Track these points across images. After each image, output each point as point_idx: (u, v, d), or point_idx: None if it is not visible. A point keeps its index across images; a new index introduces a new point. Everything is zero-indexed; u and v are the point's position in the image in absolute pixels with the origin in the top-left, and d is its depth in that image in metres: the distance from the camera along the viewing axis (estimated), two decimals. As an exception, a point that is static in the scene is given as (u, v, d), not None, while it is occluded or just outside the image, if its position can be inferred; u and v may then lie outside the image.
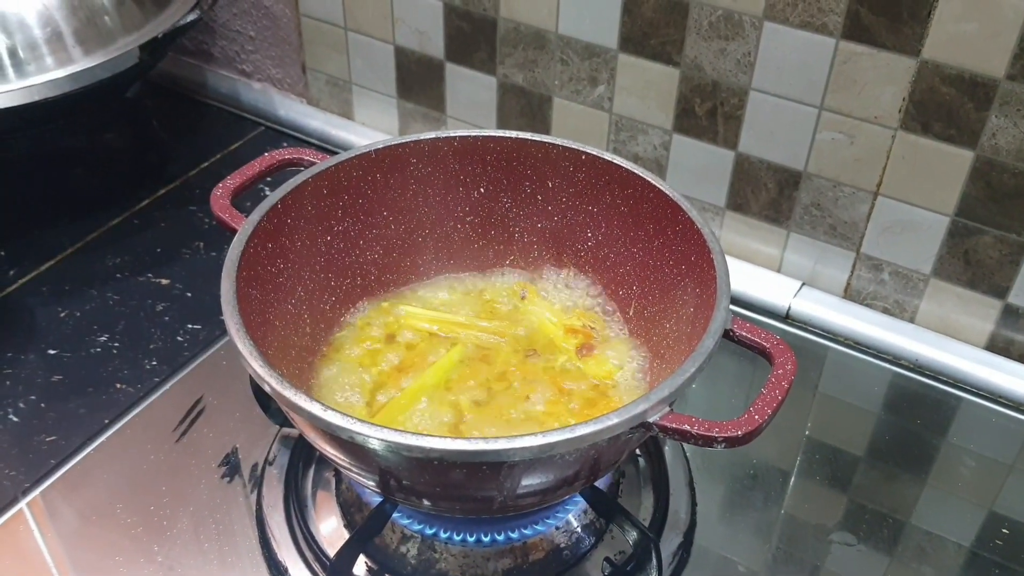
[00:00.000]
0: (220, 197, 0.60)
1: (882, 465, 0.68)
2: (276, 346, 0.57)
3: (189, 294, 0.79)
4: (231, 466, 0.65)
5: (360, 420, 0.45)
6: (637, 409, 0.46)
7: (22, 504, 0.63)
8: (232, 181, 0.61)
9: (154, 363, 0.72)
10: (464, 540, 0.58)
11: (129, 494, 0.63)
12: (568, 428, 0.45)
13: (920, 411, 0.73)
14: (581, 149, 0.63)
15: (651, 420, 0.46)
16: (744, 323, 0.52)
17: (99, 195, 0.91)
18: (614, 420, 0.45)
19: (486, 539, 0.58)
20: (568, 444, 0.45)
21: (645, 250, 0.62)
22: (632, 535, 0.58)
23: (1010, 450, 0.70)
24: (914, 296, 0.76)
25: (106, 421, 0.68)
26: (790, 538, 0.63)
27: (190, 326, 0.76)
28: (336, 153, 0.63)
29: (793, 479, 0.67)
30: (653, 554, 0.57)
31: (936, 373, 0.75)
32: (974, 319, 0.74)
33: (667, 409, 0.47)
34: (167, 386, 0.71)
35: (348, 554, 0.56)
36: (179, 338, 0.75)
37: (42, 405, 0.69)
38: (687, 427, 0.46)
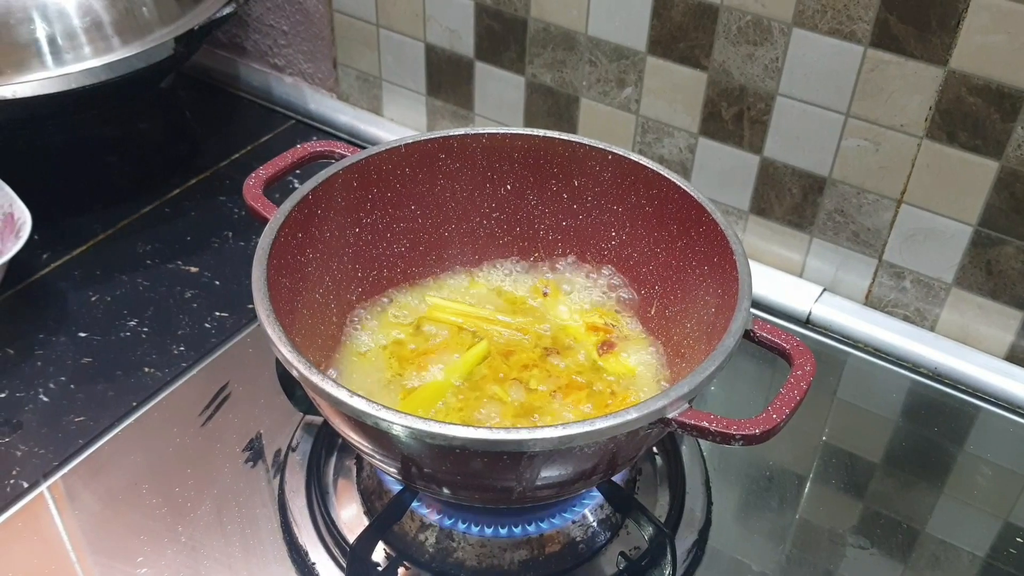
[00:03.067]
0: (253, 187, 0.61)
1: (898, 472, 0.69)
2: (303, 333, 0.58)
3: (217, 282, 0.80)
4: (255, 451, 0.66)
5: (384, 407, 0.46)
6: (656, 405, 0.46)
7: (47, 484, 0.64)
8: (265, 171, 0.62)
9: (182, 349, 0.74)
10: (482, 531, 0.59)
11: (154, 476, 0.64)
12: (588, 421, 0.46)
13: (938, 419, 0.73)
14: (608, 149, 0.64)
15: (670, 416, 0.47)
16: (765, 324, 0.53)
17: (131, 183, 0.92)
18: (633, 415, 0.46)
19: (503, 530, 0.59)
20: (587, 437, 0.46)
21: (668, 250, 0.63)
22: (648, 531, 0.58)
23: (1027, 461, 0.70)
24: (935, 305, 0.76)
25: (134, 404, 0.69)
26: (804, 541, 0.63)
27: (217, 313, 0.77)
28: (365, 148, 0.64)
29: (809, 483, 0.67)
30: (668, 550, 0.57)
31: (955, 382, 0.75)
32: (995, 329, 0.75)
33: (686, 406, 0.47)
34: (194, 371, 0.72)
35: (367, 540, 0.57)
36: (206, 325, 0.76)
37: (72, 386, 0.71)
38: (705, 424, 0.46)
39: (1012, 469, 0.69)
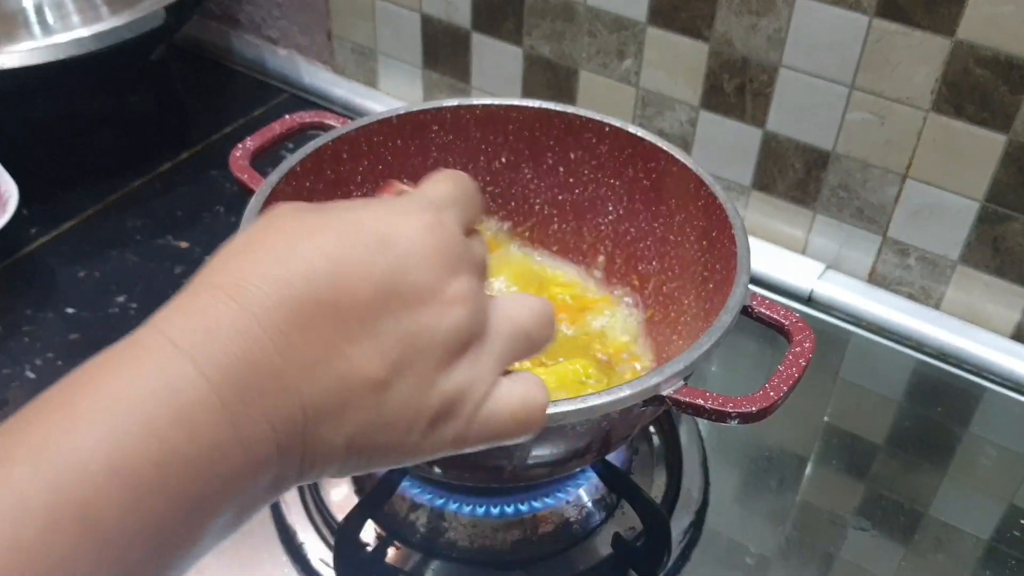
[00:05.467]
0: (240, 158, 0.60)
1: (901, 453, 0.67)
2: (290, 309, 0.56)
3: (208, 257, 0.78)
4: (244, 429, 0.65)
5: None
6: (651, 382, 0.45)
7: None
8: (252, 142, 0.61)
9: (171, 325, 0.72)
10: (473, 511, 0.58)
11: (141, 453, 0.63)
12: (580, 398, 0.44)
13: (942, 399, 0.71)
14: (605, 121, 0.62)
15: (664, 393, 0.45)
16: (763, 300, 0.51)
17: (121, 157, 0.91)
18: (627, 392, 0.44)
19: (495, 510, 0.58)
20: (580, 415, 0.44)
21: (666, 225, 0.62)
22: (643, 512, 0.57)
23: (1033, 442, 0.69)
24: (940, 282, 0.75)
25: (121, 381, 0.68)
26: (803, 523, 0.62)
27: (208, 289, 0.75)
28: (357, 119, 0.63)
29: (809, 464, 0.66)
30: (664, 532, 0.56)
31: (960, 361, 0.73)
32: (1001, 307, 0.73)
33: (681, 383, 0.46)
34: (183, 348, 0.71)
35: (355, 520, 0.56)
36: (196, 301, 0.74)
37: (59, 363, 0.69)
38: (700, 402, 0.45)
39: (1017, 450, 0.68)
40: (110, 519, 0.27)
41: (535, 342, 0.38)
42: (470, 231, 0.38)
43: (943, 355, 0.74)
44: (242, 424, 0.30)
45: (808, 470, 0.66)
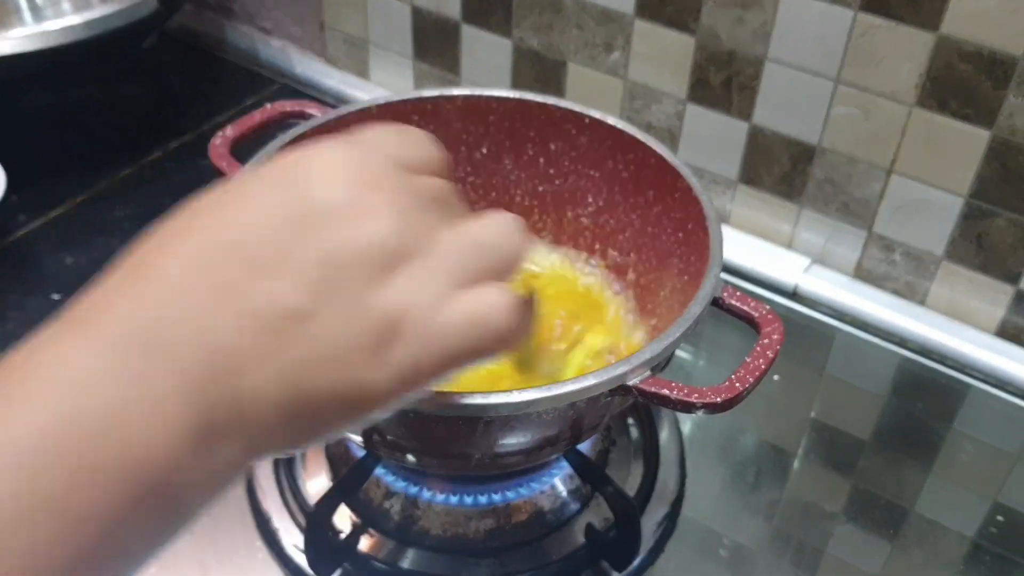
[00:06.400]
0: (219, 146, 0.60)
1: (884, 449, 0.67)
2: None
3: (194, 246, 0.79)
4: (223, 416, 0.65)
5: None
6: (617, 371, 0.45)
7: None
8: (232, 131, 0.61)
9: (155, 312, 0.73)
10: (447, 499, 0.58)
11: (121, 439, 0.64)
12: (545, 387, 0.44)
13: (926, 396, 0.71)
14: (584, 112, 0.62)
15: (630, 383, 0.45)
16: (735, 292, 0.51)
17: (111, 145, 0.91)
18: (592, 381, 0.45)
19: (469, 499, 0.58)
20: (546, 403, 0.44)
21: (644, 217, 0.62)
22: (616, 503, 0.57)
23: (1016, 439, 0.68)
24: (925, 278, 0.74)
25: (104, 367, 0.68)
26: (782, 516, 0.62)
27: (193, 278, 0.76)
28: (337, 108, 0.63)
29: (791, 459, 0.66)
30: (633, 522, 0.56)
31: (944, 358, 0.73)
32: (985, 304, 0.73)
33: (647, 373, 0.46)
34: (166, 335, 0.71)
35: (328, 504, 0.56)
36: (181, 289, 0.75)
37: (43, 348, 0.70)
38: (666, 392, 0.45)
39: (1000, 447, 0.68)
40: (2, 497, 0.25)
41: (494, 253, 0.33)
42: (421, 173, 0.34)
43: (927, 351, 0.74)
44: (150, 379, 0.27)
45: (790, 464, 0.66)
